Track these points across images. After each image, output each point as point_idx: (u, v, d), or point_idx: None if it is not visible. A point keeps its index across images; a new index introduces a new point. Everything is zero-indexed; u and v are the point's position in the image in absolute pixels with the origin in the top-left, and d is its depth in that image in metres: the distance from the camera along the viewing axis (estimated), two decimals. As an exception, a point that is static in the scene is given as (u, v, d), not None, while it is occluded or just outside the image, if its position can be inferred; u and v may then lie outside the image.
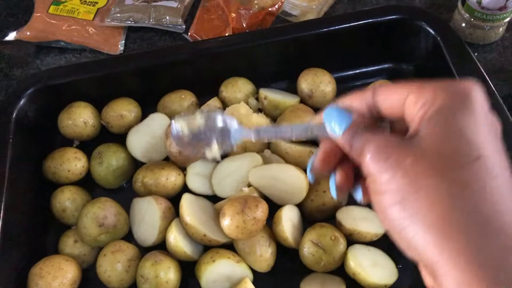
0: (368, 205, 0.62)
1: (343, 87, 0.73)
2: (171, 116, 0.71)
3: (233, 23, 0.79)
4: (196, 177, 0.66)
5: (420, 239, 0.28)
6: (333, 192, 0.37)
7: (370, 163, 0.31)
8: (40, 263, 0.59)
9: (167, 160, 0.69)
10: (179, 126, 0.46)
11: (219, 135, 0.45)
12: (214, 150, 0.46)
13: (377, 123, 0.35)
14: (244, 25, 0.79)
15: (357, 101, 0.35)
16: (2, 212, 0.59)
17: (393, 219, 0.30)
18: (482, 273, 0.26)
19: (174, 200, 0.65)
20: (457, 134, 0.29)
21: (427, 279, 0.31)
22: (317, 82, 0.71)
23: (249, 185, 0.64)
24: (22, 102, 0.68)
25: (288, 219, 0.61)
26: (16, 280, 0.59)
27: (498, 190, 0.28)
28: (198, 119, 0.46)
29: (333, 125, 0.34)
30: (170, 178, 0.65)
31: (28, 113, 0.69)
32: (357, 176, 0.36)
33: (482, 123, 0.30)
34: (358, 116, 0.34)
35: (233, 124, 0.45)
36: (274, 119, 0.72)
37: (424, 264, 0.29)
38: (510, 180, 0.29)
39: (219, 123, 0.45)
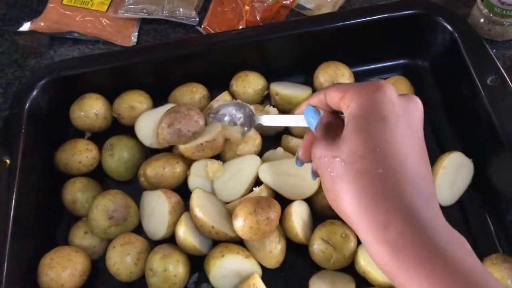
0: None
1: (359, 82, 0.72)
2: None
3: (247, 16, 0.78)
4: (198, 179, 0.66)
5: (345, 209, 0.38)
6: (312, 176, 0.49)
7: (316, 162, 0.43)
8: (50, 254, 0.60)
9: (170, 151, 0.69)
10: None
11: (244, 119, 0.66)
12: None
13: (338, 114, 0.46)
14: (258, 18, 0.78)
15: (316, 100, 0.46)
16: (13, 202, 0.60)
17: (327, 191, 0.41)
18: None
19: (185, 195, 0.65)
20: (368, 142, 0.37)
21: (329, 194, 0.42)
22: (339, 74, 0.70)
23: (255, 186, 0.64)
24: (35, 93, 0.68)
25: (298, 214, 0.60)
26: (27, 270, 0.59)
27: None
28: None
29: (309, 122, 0.46)
30: (167, 167, 0.65)
31: (40, 104, 0.69)
32: None
33: (396, 132, 0.37)
34: (325, 113, 0.45)
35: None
36: (287, 113, 0.71)
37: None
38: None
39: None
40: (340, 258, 0.58)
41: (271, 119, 0.60)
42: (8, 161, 0.62)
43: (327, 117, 0.45)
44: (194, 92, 0.71)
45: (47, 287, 0.58)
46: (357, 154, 0.37)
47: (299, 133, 0.68)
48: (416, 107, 0.41)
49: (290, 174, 0.62)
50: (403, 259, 0.33)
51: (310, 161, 0.48)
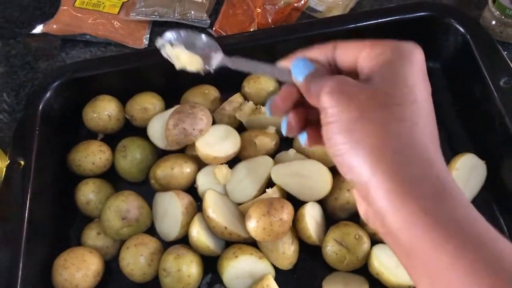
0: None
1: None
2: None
3: (258, 18, 0.78)
4: (206, 182, 0.66)
5: (358, 162, 0.33)
6: (283, 129, 0.42)
7: (325, 97, 0.36)
8: (64, 254, 0.60)
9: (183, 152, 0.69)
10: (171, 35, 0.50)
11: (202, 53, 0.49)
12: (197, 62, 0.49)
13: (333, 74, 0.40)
14: (269, 21, 0.78)
15: (319, 53, 0.40)
16: (28, 203, 0.60)
17: (338, 144, 0.35)
18: (407, 184, 0.32)
19: (197, 195, 0.65)
20: (400, 81, 0.35)
21: (360, 206, 0.38)
22: None
23: (267, 187, 0.64)
24: (48, 94, 0.69)
25: (311, 216, 0.60)
26: (41, 271, 0.59)
27: (424, 128, 0.34)
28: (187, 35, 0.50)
29: (297, 73, 0.39)
30: (176, 168, 0.65)
31: (54, 106, 0.70)
32: (306, 123, 0.42)
33: (420, 76, 0.36)
34: (320, 66, 0.40)
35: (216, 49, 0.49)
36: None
37: (359, 187, 0.34)
38: (432, 122, 0.36)
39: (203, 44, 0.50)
40: (353, 259, 0.58)
41: (241, 63, 0.47)
42: (22, 163, 0.63)
43: (323, 71, 0.40)
44: (206, 94, 0.71)
45: (61, 287, 0.59)
46: (393, 98, 0.34)
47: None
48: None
49: (303, 176, 0.63)
50: (434, 224, 0.31)
51: (281, 115, 0.43)
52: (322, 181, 0.62)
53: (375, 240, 0.59)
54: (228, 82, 0.72)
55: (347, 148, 0.34)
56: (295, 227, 0.61)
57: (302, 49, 0.41)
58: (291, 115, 0.41)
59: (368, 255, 0.58)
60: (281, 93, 0.42)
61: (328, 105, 0.35)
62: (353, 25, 0.71)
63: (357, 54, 0.38)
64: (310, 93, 0.38)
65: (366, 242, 0.58)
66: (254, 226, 0.57)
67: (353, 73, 0.38)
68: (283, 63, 0.42)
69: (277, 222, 0.57)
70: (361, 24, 0.71)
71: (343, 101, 0.35)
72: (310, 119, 0.42)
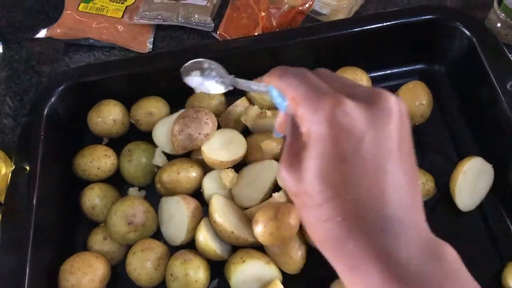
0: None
1: (375, 87, 0.72)
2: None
3: (263, 22, 0.78)
4: (211, 186, 0.66)
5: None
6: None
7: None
8: (70, 260, 0.60)
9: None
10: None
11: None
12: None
13: None
14: (274, 24, 0.78)
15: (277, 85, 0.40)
16: (34, 208, 0.60)
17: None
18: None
19: (203, 200, 0.65)
20: (334, 184, 0.32)
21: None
22: (357, 79, 0.70)
23: (273, 192, 0.63)
24: (53, 99, 0.69)
25: None
26: (48, 276, 0.59)
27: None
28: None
29: (277, 100, 0.40)
30: (182, 172, 0.65)
31: (58, 110, 0.69)
32: None
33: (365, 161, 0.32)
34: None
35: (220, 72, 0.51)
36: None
37: None
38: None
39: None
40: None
41: (239, 83, 0.49)
42: (27, 168, 0.63)
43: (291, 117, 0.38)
44: (211, 98, 0.71)
45: (67, 293, 0.58)
46: (323, 196, 0.32)
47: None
48: (387, 117, 0.32)
49: None
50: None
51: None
52: None
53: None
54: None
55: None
56: (303, 232, 0.61)
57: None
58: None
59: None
60: (278, 120, 0.42)
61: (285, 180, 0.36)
62: (358, 29, 0.70)
63: (295, 106, 0.36)
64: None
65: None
66: (261, 230, 0.57)
67: None
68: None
69: (284, 226, 0.56)
70: (366, 27, 0.70)
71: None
72: None
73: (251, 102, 0.72)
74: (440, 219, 0.63)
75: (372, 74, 0.74)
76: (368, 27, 0.70)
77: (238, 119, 0.70)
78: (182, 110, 0.70)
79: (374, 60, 0.74)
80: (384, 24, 0.70)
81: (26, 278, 0.56)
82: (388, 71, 0.77)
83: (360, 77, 0.70)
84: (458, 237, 0.56)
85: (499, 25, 0.76)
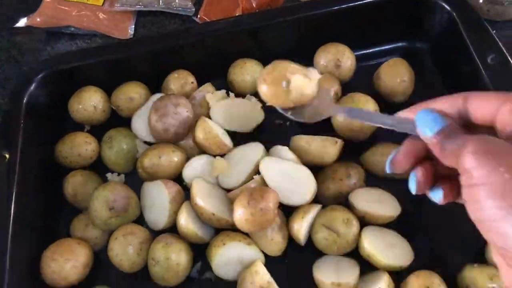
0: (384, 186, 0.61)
1: (357, 66, 0.71)
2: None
3: (243, 3, 0.77)
4: (195, 171, 0.65)
5: None
6: (413, 187, 0.39)
7: (468, 158, 0.32)
8: (52, 246, 0.60)
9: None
10: None
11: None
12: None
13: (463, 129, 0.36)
14: (254, 5, 0.77)
15: (447, 105, 0.37)
16: (14, 196, 0.60)
17: (488, 209, 0.31)
18: None
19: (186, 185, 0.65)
20: None
21: (507, 274, 0.33)
22: (340, 52, 0.69)
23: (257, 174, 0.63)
24: (33, 87, 0.68)
25: (306, 221, 0.59)
26: (30, 264, 0.59)
27: None
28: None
29: (425, 127, 0.36)
30: (163, 156, 0.64)
31: (39, 98, 0.69)
32: (436, 177, 0.39)
33: None
34: (451, 121, 0.36)
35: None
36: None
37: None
38: None
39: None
40: (343, 243, 0.57)
41: (357, 113, 0.46)
42: (7, 156, 0.62)
43: (456, 127, 0.36)
44: (184, 83, 0.71)
45: (50, 279, 0.58)
46: None
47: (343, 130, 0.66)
48: None
49: (290, 178, 0.61)
50: None
51: (404, 171, 0.40)
52: (305, 191, 0.60)
53: (363, 222, 0.59)
54: (215, 69, 0.72)
55: (502, 214, 0.30)
56: (288, 226, 0.60)
57: (426, 100, 0.38)
58: (420, 173, 0.38)
59: (358, 238, 0.58)
60: (403, 148, 0.39)
61: (473, 166, 0.32)
62: (338, 7, 0.70)
63: (495, 108, 0.35)
64: (444, 152, 0.35)
65: (355, 225, 0.57)
66: (238, 218, 0.56)
67: (488, 128, 0.36)
68: (404, 114, 0.39)
69: (258, 212, 0.55)
70: (347, 5, 0.69)
71: (490, 162, 0.31)
72: (440, 173, 0.39)
73: (231, 84, 0.72)
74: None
75: (355, 53, 0.73)
76: (350, 4, 0.70)
77: (204, 103, 0.69)
78: (157, 96, 0.69)
79: (357, 39, 0.73)
80: (365, 1, 0.70)
81: (7, 266, 0.56)
82: (371, 50, 0.76)
83: (343, 51, 0.69)
84: (442, 212, 0.57)
85: (480, 0, 0.75)
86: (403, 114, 0.40)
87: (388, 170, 0.40)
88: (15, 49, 0.86)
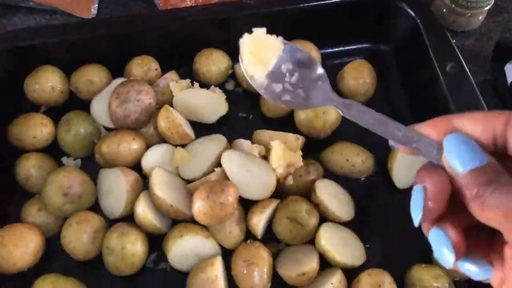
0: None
1: (322, 64, 0.72)
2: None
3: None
4: (154, 160, 0.64)
5: None
6: (447, 261, 0.29)
7: None
8: (1, 231, 0.58)
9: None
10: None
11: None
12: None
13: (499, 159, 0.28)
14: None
15: (480, 127, 0.28)
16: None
17: None
18: None
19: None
20: None
21: None
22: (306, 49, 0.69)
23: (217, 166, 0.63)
24: (-14, 63, 0.65)
25: (265, 216, 0.59)
26: (-24, 248, 0.57)
27: None
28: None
29: (456, 159, 0.28)
30: (122, 144, 0.63)
31: (-7, 76, 0.66)
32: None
33: None
34: (493, 160, 0.27)
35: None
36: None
37: None
38: None
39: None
40: (306, 234, 0.58)
41: (354, 112, 0.35)
42: (-44, 135, 0.59)
43: (499, 167, 0.27)
44: (144, 64, 0.70)
45: (-2, 265, 0.56)
46: None
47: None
48: None
49: (251, 172, 0.60)
50: None
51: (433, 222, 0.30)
52: (266, 185, 0.60)
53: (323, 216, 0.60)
54: (180, 57, 0.71)
55: None
56: (246, 220, 0.60)
57: (460, 113, 0.30)
58: (453, 231, 0.29)
59: (317, 227, 0.59)
60: (431, 191, 0.28)
61: None
62: (308, 4, 0.70)
63: None
64: (483, 206, 0.26)
65: (316, 215, 0.59)
66: (196, 211, 0.56)
67: None
68: (424, 129, 0.30)
69: (217, 206, 0.55)
70: (313, 4, 0.70)
71: None
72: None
73: (196, 73, 0.72)
74: (379, 196, 0.64)
75: (322, 51, 0.74)
76: (316, 3, 0.70)
77: (167, 91, 0.69)
78: (119, 81, 0.68)
79: (324, 38, 0.74)
80: (332, 1, 0.70)
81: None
82: (336, 49, 0.77)
83: (309, 49, 0.70)
84: (395, 212, 0.59)
85: (444, 10, 0.77)
86: (421, 128, 0.30)
87: (416, 223, 0.30)
88: (-33, 21, 0.81)
